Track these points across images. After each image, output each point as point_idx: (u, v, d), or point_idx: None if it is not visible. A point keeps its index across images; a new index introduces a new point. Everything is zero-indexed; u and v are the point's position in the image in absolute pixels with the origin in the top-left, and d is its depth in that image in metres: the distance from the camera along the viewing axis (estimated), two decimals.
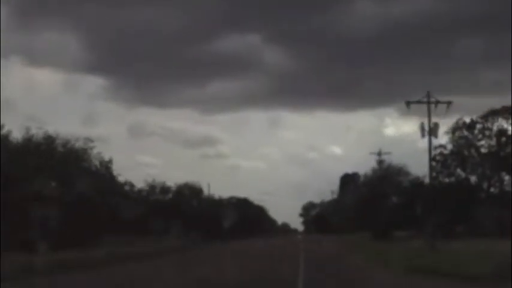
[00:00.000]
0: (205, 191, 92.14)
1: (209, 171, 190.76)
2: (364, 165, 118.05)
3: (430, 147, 40.91)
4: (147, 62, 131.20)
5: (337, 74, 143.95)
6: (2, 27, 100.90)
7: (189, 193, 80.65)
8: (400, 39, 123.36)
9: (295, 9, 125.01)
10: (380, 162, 67.08)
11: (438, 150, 67.42)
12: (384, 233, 70.80)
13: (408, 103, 40.28)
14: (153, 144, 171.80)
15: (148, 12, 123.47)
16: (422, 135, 39.29)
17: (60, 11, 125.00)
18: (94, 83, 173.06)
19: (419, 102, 39.95)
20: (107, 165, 49.16)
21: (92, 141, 46.68)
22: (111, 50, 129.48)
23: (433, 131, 39.16)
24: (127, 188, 62.27)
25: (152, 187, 77.66)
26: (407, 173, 78.69)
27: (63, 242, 36.51)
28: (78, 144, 45.29)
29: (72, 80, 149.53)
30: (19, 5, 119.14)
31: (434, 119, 40.37)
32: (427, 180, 74.30)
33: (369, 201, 77.28)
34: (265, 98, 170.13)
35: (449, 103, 40.12)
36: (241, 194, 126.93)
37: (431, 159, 69.13)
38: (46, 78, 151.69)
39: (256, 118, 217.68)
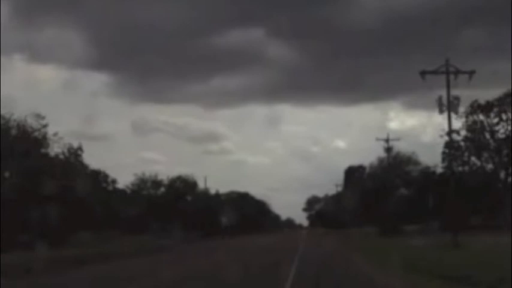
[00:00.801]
0: (202, 185, 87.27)
1: (213, 167, 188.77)
2: (368, 159, 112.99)
3: (450, 123, 34.88)
4: (150, 58, 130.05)
5: (341, 68, 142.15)
6: (5, 24, 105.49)
7: (183, 187, 75.23)
8: (404, 31, 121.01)
9: (298, 3, 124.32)
10: (388, 149, 61.39)
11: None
12: (393, 228, 65.47)
13: (423, 73, 34.32)
14: (156, 140, 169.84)
15: (151, 8, 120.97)
16: (440, 111, 33.38)
17: (63, 7, 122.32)
18: (97, 79, 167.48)
19: (436, 72, 34.07)
20: (76, 153, 43.54)
21: (43, 117, 40.49)
22: (114, 46, 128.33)
23: (453, 106, 33.25)
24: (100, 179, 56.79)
25: (143, 181, 72.50)
26: (416, 162, 73.19)
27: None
28: (29, 123, 39.40)
29: (75, 77, 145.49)
30: (22, 2, 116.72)
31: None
32: (438, 169, 69.40)
33: (376, 194, 71.81)
34: (269, 93, 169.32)
35: (471, 73, 34.16)
36: (246, 189, 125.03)
37: (445, 146, 64.34)
38: (49, 75, 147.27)
39: (260, 113, 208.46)
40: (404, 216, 68.83)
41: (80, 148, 43.62)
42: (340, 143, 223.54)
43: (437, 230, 63.19)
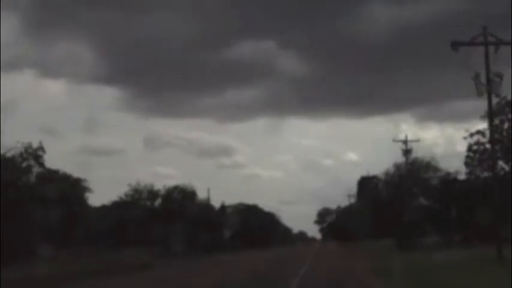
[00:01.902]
0: (205, 196, 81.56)
1: (225, 181, 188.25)
2: (381, 171, 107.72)
3: (490, 107, 28.31)
4: (162, 72, 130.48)
5: (352, 80, 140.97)
6: (17, 39, 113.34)
7: (181, 197, 69.17)
8: (416, 43, 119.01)
9: (309, 15, 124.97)
10: (406, 151, 54.74)
11: (475, 138, 55.57)
12: (410, 241, 59.19)
13: (456, 45, 27.81)
14: (169, 154, 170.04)
15: (163, 21, 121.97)
16: (479, 93, 26.82)
17: (74, 22, 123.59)
18: (108, 93, 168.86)
19: (471, 43, 27.64)
20: (36, 154, 37.55)
21: None
22: (126, 60, 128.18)
23: (494, 86, 26.72)
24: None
25: (137, 191, 66.62)
26: (436, 169, 66.61)
27: None
28: None
29: (86, 91, 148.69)
30: (33, 16, 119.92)
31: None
32: (461, 176, 62.92)
33: (392, 203, 65.55)
34: (281, 106, 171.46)
35: None
36: (258, 203, 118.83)
37: (468, 149, 57.99)
38: (60, 89, 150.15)
39: (272, 126, 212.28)
40: (422, 228, 62.59)
41: (41, 148, 37.65)
42: (352, 156, 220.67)
43: (460, 242, 57.00)
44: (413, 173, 64.65)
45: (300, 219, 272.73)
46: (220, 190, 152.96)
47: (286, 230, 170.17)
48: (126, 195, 66.09)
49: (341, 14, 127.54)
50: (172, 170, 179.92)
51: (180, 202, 67.13)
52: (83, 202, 49.85)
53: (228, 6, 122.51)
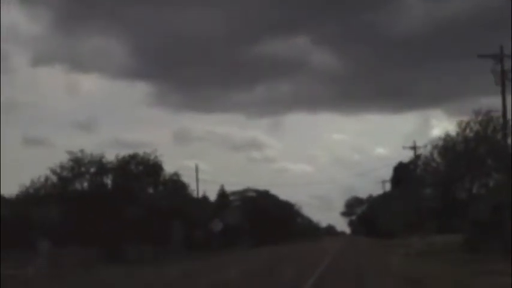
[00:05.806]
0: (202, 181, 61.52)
1: (256, 175, 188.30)
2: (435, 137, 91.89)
3: None
4: (193, 67, 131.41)
5: (385, 76, 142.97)
6: (47, 33, 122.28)
7: (140, 170, 47.90)
8: (449, 39, 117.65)
9: (343, 10, 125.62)
10: (502, 74, 31.15)
11: None
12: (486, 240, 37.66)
13: None
14: (200, 149, 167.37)
15: (194, 16, 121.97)
16: None
17: (105, 17, 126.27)
18: (139, 88, 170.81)
19: None
20: None
21: None
22: (156, 56, 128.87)
23: None
24: None
25: (79, 162, 45.71)
26: None
27: None
28: None
29: (117, 86, 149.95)
30: (63, 11, 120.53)
31: None
32: None
33: (451, 181, 44.00)
34: (312, 101, 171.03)
35: None
36: (287, 196, 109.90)
37: None
38: (91, 84, 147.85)
39: (303, 121, 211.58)
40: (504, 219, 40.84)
41: None
42: (384, 151, 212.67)
43: None
44: (486, 138, 42.92)
45: (329, 213, 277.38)
46: (247, 182, 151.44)
47: (310, 222, 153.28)
48: (62, 167, 45.37)
49: (374, 9, 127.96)
50: (203, 164, 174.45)
51: (139, 178, 46.46)
52: None
53: (261, 1, 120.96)
